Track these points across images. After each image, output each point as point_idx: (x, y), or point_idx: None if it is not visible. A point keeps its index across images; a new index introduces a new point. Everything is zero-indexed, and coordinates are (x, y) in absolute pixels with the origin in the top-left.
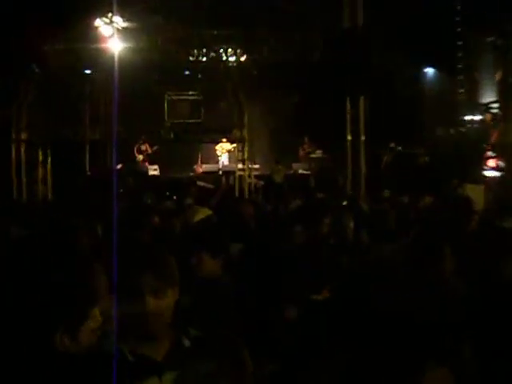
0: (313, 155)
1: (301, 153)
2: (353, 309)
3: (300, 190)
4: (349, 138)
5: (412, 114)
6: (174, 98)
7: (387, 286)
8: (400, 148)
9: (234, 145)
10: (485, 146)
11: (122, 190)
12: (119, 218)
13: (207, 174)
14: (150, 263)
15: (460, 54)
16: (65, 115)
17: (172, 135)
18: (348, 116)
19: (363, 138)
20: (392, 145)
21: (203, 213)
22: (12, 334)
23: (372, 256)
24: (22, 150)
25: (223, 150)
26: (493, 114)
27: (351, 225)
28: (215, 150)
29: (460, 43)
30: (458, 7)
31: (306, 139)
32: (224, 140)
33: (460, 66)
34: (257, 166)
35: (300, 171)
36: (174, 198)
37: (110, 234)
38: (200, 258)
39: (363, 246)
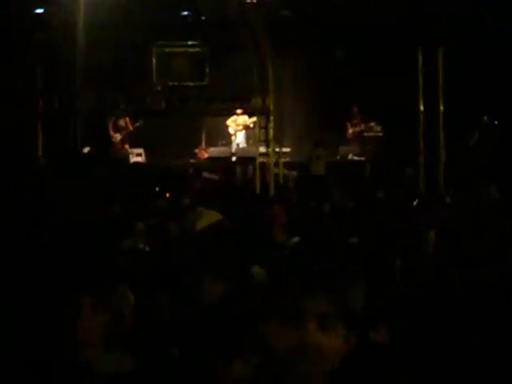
0: (368, 134)
1: (349, 130)
2: None
3: (351, 186)
4: (421, 108)
5: None
6: (167, 50)
7: None
8: (496, 122)
9: (254, 119)
10: None
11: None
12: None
13: (215, 161)
14: None
15: None
16: (6, 76)
17: (164, 104)
18: (420, 77)
19: (442, 108)
20: (485, 118)
21: (209, 217)
22: None
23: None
24: None
25: (238, 127)
26: None
27: (431, 236)
28: (226, 127)
29: None
30: None
31: (355, 110)
32: (239, 112)
33: None
34: (287, 150)
35: (350, 157)
36: (167, 195)
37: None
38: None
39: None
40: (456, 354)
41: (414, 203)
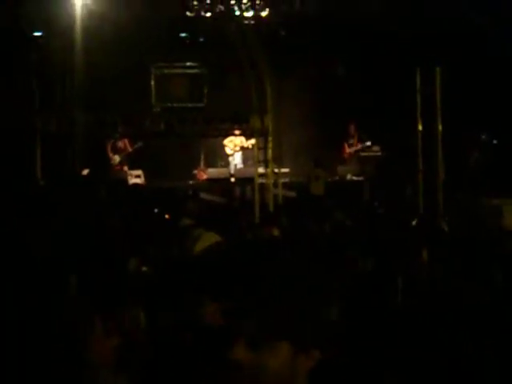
0: (365, 153)
1: (346, 149)
2: None
3: (350, 206)
4: (419, 127)
5: None
6: (166, 72)
7: None
8: (495, 142)
9: (252, 141)
10: None
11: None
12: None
13: (214, 182)
14: None
15: None
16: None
17: (162, 126)
18: (418, 96)
19: (440, 127)
20: (484, 137)
21: (208, 239)
22: None
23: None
24: None
25: (235, 147)
26: None
27: (424, 256)
28: (224, 147)
29: None
30: None
31: (351, 130)
32: (237, 132)
33: None
34: (285, 170)
35: (348, 177)
36: (166, 216)
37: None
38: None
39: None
40: (449, 363)
41: (413, 223)
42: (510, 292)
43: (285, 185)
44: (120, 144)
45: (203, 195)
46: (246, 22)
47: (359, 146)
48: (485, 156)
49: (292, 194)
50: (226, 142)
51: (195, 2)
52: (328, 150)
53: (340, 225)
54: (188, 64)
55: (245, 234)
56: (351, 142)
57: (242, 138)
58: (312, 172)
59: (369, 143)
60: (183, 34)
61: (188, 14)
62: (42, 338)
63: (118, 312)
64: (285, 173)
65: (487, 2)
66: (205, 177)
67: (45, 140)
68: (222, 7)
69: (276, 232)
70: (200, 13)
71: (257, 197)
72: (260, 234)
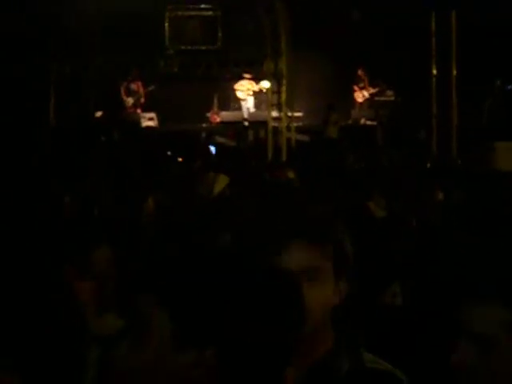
0: (379, 98)
1: (357, 93)
2: None
3: (364, 148)
4: (434, 72)
5: None
6: (180, 14)
7: None
8: (510, 87)
9: (262, 85)
10: None
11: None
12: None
13: (227, 125)
14: None
15: None
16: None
17: (176, 69)
18: (433, 40)
19: (455, 72)
20: (498, 82)
21: (222, 181)
22: None
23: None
24: None
25: (247, 92)
26: None
27: (439, 197)
28: (235, 91)
29: None
30: None
31: (360, 73)
32: (247, 76)
33: None
34: (299, 115)
35: (362, 121)
36: (179, 159)
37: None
38: None
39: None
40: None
41: (427, 166)
42: None
43: (298, 128)
44: (133, 86)
45: (219, 139)
46: None
47: (371, 90)
48: (498, 102)
49: (305, 137)
50: (236, 86)
51: None
52: (342, 94)
53: (353, 168)
54: (202, 6)
55: (258, 176)
56: (361, 85)
57: (253, 82)
58: (328, 116)
59: (383, 87)
60: None
61: None
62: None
63: (89, 253)
64: (298, 116)
65: None
66: (218, 120)
67: (59, 83)
68: None
69: (291, 174)
70: None
71: (270, 140)
72: (277, 176)
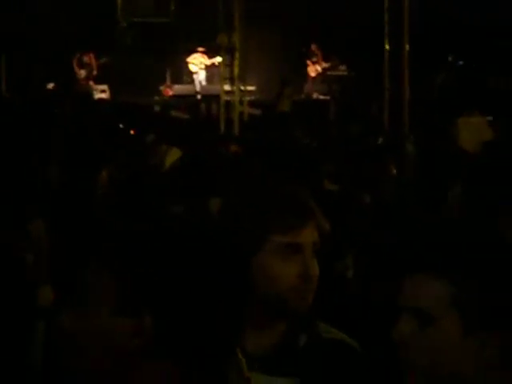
0: (331, 72)
1: (310, 68)
2: None
3: (316, 123)
4: (387, 47)
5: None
6: None
7: None
8: (461, 63)
9: (215, 59)
10: None
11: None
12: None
13: (180, 99)
14: None
15: None
16: None
17: (129, 41)
18: (386, 15)
19: (407, 46)
20: (450, 58)
21: (174, 154)
22: None
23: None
24: None
25: (200, 65)
26: None
27: (393, 173)
28: (187, 64)
29: None
30: None
31: (313, 48)
32: (200, 49)
33: None
34: (252, 89)
35: (315, 96)
36: (132, 132)
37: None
38: None
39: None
40: None
41: (379, 142)
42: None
43: (250, 102)
44: (86, 59)
45: (175, 113)
46: None
47: (324, 65)
48: (450, 77)
49: (257, 111)
50: (189, 59)
51: None
52: (295, 69)
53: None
54: None
55: (209, 149)
56: (314, 59)
57: (206, 56)
58: (280, 90)
59: (342, 67)
60: None
61: None
62: None
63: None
64: (251, 91)
65: None
66: (171, 93)
67: (10, 54)
68: None
69: (234, 148)
70: None
71: (222, 114)
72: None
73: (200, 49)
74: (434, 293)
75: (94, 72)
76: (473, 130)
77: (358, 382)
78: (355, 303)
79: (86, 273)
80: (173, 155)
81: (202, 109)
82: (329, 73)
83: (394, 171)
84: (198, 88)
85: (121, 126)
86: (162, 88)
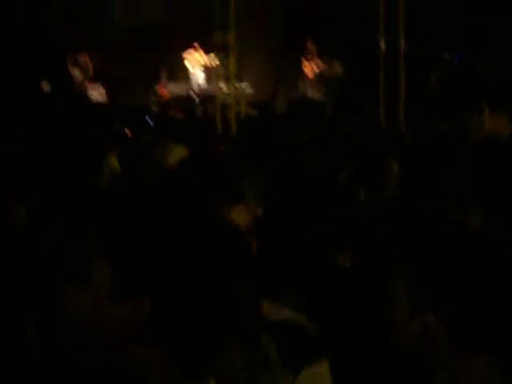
0: (328, 70)
1: (306, 65)
2: None
3: (312, 122)
4: (382, 45)
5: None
6: None
7: None
8: (458, 60)
9: (212, 57)
10: None
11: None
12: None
13: (176, 99)
14: None
15: None
16: None
17: (124, 40)
18: (381, 10)
19: (403, 43)
20: (446, 55)
21: (178, 152)
22: None
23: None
24: None
25: (196, 63)
26: None
27: (395, 169)
28: (183, 62)
29: None
30: None
31: (309, 46)
32: (196, 45)
33: None
34: (248, 89)
35: (310, 94)
36: (128, 132)
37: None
38: None
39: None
40: None
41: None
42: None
43: (247, 102)
44: (81, 59)
45: (172, 113)
46: None
47: (320, 64)
48: (446, 75)
49: (254, 112)
50: (185, 54)
51: None
52: (290, 68)
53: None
54: None
55: (210, 149)
56: (310, 57)
57: (202, 53)
58: (275, 89)
59: (331, 61)
60: None
61: None
62: None
63: None
64: (247, 91)
65: None
66: (166, 93)
67: (3, 54)
68: None
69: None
70: None
71: (219, 114)
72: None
73: (195, 44)
74: None
75: (90, 72)
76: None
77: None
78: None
79: (85, 257)
80: (177, 153)
81: (197, 109)
82: (324, 72)
83: (396, 168)
84: (194, 88)
85: (116, 126)
86: (157, 88)
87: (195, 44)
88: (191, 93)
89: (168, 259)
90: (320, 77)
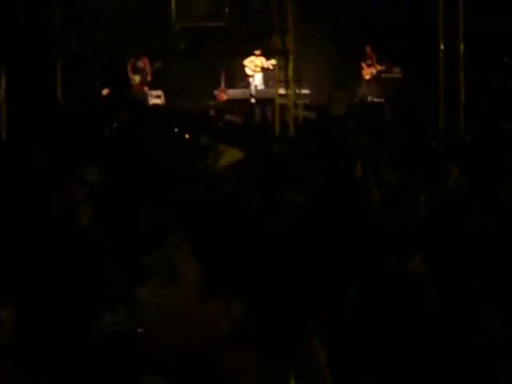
0: (386, 75)
1: (365, 71)
2: None
3: (370, 126)
4: (441, 47)
5: None
6: None
7: None
8: None
9: (272, 61)
10: None
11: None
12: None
13: (234, 103)
14: None
15: None
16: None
17: (183, 45)
18: (440, 16)
19: (462, 47)
20: (506, 59)
21: (231, 155)
22: None
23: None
24: None
25: (255, 68)
26: None
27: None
28: (244, 68)
29: None
30: None
31: (368, 50)
32: (257, 53)
33: None
34: (306, 92)
35: (369, 99)
36: (186, 136)
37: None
38: None
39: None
40: None
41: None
42: None
43: (305, 106)
44: (140, 64)
45: (228, 117)
46: None
47: (379, 68)
48: (506, 79)
49: (312, 115)
50: (246, 62)
51: None
52: (348, 72)
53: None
54: None
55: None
56: (369, 62)
57: (263, 59)
58: (333, 93)
59: (396, 69)
60: None
61: None
62: None
63: None
64: (305, 94)
65: None
66: (225, 97)
67: (65, 59)
68: None
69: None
70: None
71: (277, 117)
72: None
73: (257, 52)
74: None
75: (149, 77)
76: None
77: None
78: None
79: (172, 249)
80: (231, 155)
81: (256, 112)
82: (383, 75)
83: (456, 171)
84: (252, 92)
85: (176, 130)
86: (216, 92)
87: (256, 51)
88: (250, 97)
89: (260, 261)
90: (379, 80)
